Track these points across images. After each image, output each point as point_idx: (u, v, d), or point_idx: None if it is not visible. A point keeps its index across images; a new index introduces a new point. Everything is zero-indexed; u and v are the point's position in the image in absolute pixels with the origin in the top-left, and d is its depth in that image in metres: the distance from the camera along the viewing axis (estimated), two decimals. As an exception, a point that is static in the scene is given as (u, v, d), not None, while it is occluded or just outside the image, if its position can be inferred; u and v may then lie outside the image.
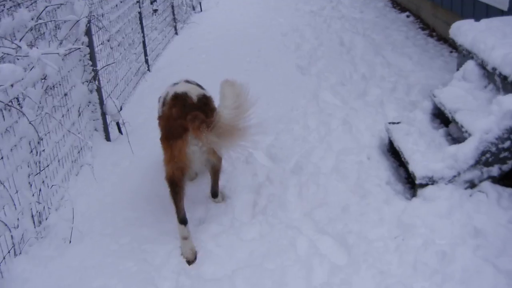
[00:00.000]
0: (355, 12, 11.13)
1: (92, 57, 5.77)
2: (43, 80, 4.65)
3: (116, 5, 7.27)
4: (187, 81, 4.79)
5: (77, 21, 5.14)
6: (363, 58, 7.90)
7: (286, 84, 7.16)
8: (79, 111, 5.59)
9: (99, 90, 5.90)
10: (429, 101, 5.28)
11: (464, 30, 5.62)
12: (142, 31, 8.60)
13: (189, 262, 4.11)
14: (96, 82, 5.81)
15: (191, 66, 8.66)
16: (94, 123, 6.04)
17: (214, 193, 4.83)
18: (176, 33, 11.46)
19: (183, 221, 4.21)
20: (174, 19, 11.44)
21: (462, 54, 5.62)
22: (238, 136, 3.90)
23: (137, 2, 8.41)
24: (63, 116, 5.18)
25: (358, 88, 6.79)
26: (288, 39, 9.40)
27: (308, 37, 9.38)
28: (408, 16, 10.44)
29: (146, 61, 8.78)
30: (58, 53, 4.49)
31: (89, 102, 5.91)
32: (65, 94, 5.29)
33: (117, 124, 6.33)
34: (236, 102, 3.79)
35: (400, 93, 6.47)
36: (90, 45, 5.72)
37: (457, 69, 5.87)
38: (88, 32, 5.65)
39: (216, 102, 4.21)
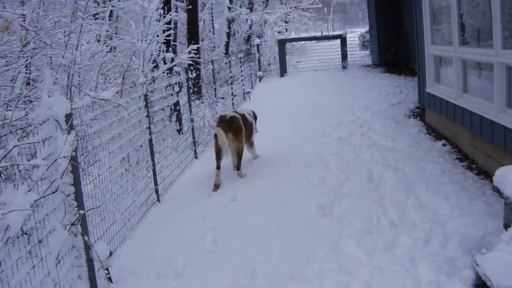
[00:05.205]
0: (387, 140, 10.34)
1: (78, 197, 5.04)
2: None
3: (119, 134, 6.64)
4: (235, 111, 9.08)
5: (50, 165, 4.43)
6: (393, 198, 6.99)
7: (304, 229, 6.24)
8: (57, 258, 4.81)
9: (84, 234, 5.14)
10: (470, 270, 4.30)
11: (512, 180, 4.79)
12: (153, 159, 7.95)
13: (216, 186, 8.21)
14: (79, 226, 5.05)
15: (202, 199, 7.94)
16: (78, 270, 5.21)
17: (237, 167, 8.61)
18: (196, 157, 10.84)
19: (217, 167, 8.21)
20: (194, 142, 10.85)
21: (510, 208, 4.73)
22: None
23: (148, 128, 7.83)
24: (33, 267, 4.40)
25: (386, 238, 5.82)
26: (312, 171, 8.59)
27: (334, 170, 8.56)
28: (444, 145, 9.59)
29: (156, 190, 8.07)
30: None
31: (73, 246, 5.13)
32: (40, 241, 4.54)
33: (107, 270, 5.51)
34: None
35: (435, 246, 5.48)
36: (76, 183, 5.01)
37: (504, 224, 4.95)
38: (75, 171, 4.98)
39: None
